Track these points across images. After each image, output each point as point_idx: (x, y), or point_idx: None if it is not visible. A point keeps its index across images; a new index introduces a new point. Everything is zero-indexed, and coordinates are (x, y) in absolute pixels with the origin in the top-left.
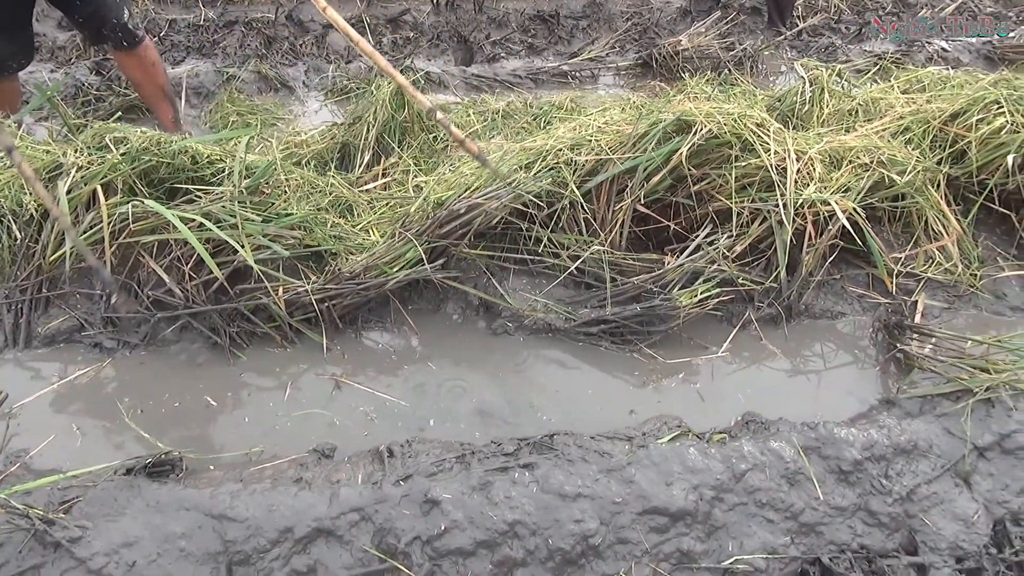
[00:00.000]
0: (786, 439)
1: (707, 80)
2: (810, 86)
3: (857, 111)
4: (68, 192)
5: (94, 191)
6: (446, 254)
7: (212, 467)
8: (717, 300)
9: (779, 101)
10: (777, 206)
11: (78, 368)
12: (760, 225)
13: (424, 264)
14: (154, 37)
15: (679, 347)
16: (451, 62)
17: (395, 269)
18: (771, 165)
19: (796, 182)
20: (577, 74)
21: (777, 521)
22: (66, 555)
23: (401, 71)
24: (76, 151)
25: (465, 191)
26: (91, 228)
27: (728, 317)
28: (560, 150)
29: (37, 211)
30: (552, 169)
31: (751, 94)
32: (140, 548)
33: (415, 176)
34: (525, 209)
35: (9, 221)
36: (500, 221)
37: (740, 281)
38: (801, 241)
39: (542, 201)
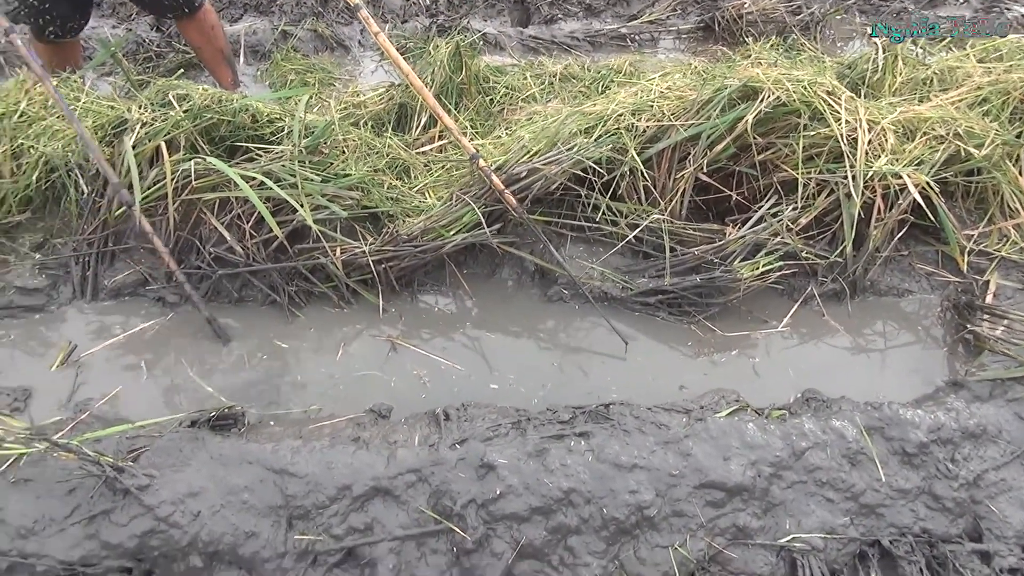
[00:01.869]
0: (848, 418)
1: (772, 45)
2: (882, 53)
3: (932, 80)
4: (133, 147)
5: (157, 147)
6: (503, 219)
7: (272, 423)
8: (779, 274)
9: (849, 68)
10: (846, 178)
11: (142, 321)
12: (827, 197)
13: (482, 228)
14: None
15: (738, 320)
16: (507, 23)
17: (452, 232)
18: (841, 135)
19: (867, 153)
20: (636, 37)
21: (837, 501)
22: (135, 502)
23: (456, 32)
24: (140, 107)
25: (525, 155)
26: (155, 184)
27: (790, 291)
28: (621, 115)
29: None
30: (612, 135)
31: (819, 60)
32: (205, 498)
33: (471, 139)
34: (584, 175)
35: (76, 175)
36: (559, 187)
37: (804, 255)
38: (869, 215)
39: (602, 167)
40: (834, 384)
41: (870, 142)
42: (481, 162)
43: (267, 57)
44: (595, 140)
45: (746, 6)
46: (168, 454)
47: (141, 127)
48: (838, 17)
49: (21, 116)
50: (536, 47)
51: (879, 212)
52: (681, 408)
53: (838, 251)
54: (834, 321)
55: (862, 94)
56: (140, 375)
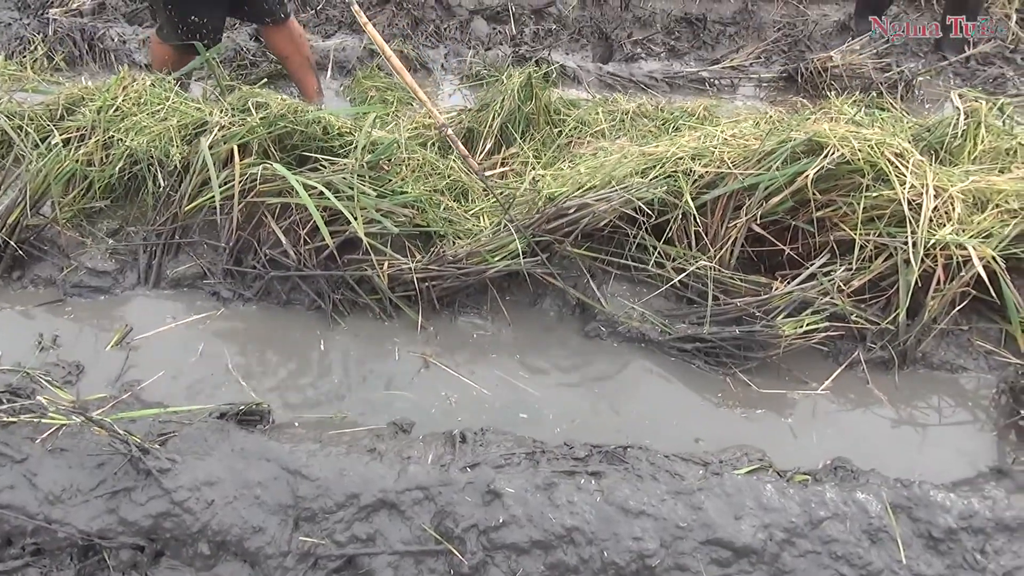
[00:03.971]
0: (874, 492)
1: (853, 101)
2: (965, 118)
3: (1016, 151)
4: (210, 148)
5: (232, 150)
6: (549, 250)
7: (297, 424)
8: (824, 335)
9: (928, 131)
10: (905, 243)
11: (195, 313)
12: (884, 261)
13: (527, 256)
14: (311, 10)
15: (776, 378)
16: (589, 58)
17: (496, 258)
18: (904, 199)
19: (931, 220)
20: (716, 81)
21: None
22: (154, 483)
23: (536, 62)
24: (221, 111)
25: (577, 189)
26: (225, 184)
27: (834, 354)
28: (680, 158)
29: (180, 163)
30: (669, 177)
31: (898, 120)
32: (220, 489)
33: (533, 168)
34: (635, 215)
35: (156, 169)
36: (608, 224)
37: (853, 318)
38: (928, 284)
39: (653, 208)
40: (868, 456)
41: (936, 209)
42: (448, 131)
43: (352, 73)
44: (650, 181)
45: (833, 59)
46: (193, 442)
47: (219, 130)
48: (927, 78)
49: (116, 110)
50: (613, 84)
51: (939, 282)
52: (699, 460)
53: (891, 318)
54: (878, 390)
55: (938, 159)
56: (183, 363)
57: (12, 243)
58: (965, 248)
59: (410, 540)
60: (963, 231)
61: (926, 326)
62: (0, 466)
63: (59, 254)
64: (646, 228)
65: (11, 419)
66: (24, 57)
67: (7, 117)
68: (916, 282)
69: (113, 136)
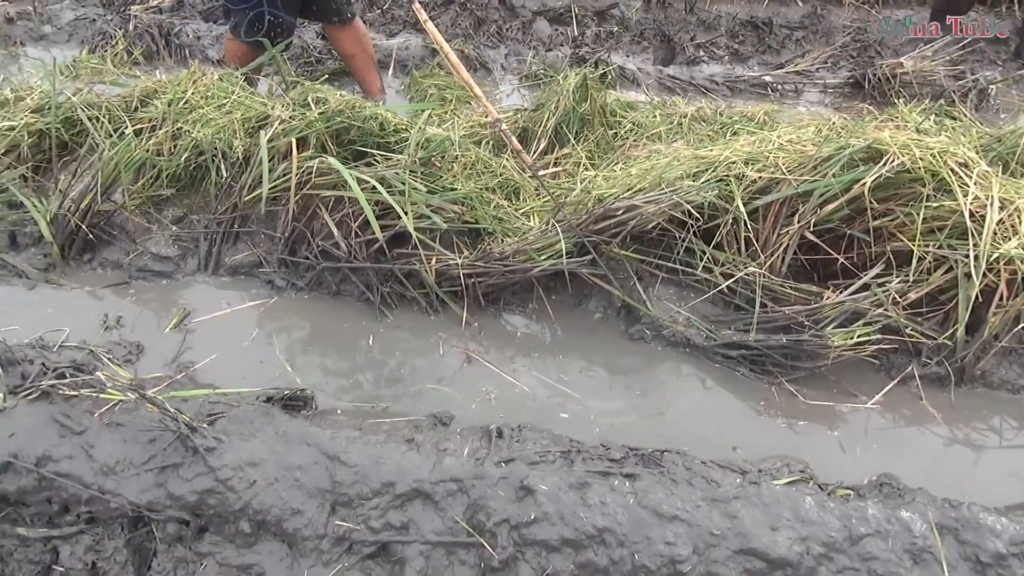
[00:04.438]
0: (920, 511)
1: (922, 109)
2: None
3: None
4: (269, 141)
5: (290, 143)
6: (597, 251)
7: (339, 411)
8: (877, 348)
9: (999, 142)
10: (967, 256)
11: (250, 300)
12: (944, 274)
13: (573, 256)
14: (378, 9)
15: (823, 389)
16: (650, 60)
17: (542, 257)
18: (966, 210)
19: (995, 233)
20: (779, 86)
21: None
22: (200, 461)
23: (595, 64)
24: (283, 106)
25: (627, 191)
26: (283, 176)
27: (887, 368)
28: (733, 163)
29: (242, 155)
30: (721, 181)
31: (967, 129)
32: (262, 470)
33: (585, 169)
34: (684, 219)
35: (219, 161)
36: (656, 227)
37: (908, 331)
38: (990, 299)
39: (703, 212)
40: (917, 474)
41: (1001, 222)
42: (503, 126)
43: (414, 71)
44: (700, 184)
45: (903, 66)
46: (240, 423)
47: (280, 124)
48: (1002, 87)
49: (185, 103)
50: (672, 87)
51: (1001, 298)
52: (737, 468)
53: (949, 333)
54: (932, 407)
55: (1009, 171)
56: (236, 348)
57: (84, 227)
58: None
59: (442, 531)
60: None
61: (986, 343)
62: (61, 437)
63: (126, 239)
64: (695, 232)
65: (73, 393)
66: (105, 51)
67: (85, 108)
68: (977, 297)
69: (181, 128)
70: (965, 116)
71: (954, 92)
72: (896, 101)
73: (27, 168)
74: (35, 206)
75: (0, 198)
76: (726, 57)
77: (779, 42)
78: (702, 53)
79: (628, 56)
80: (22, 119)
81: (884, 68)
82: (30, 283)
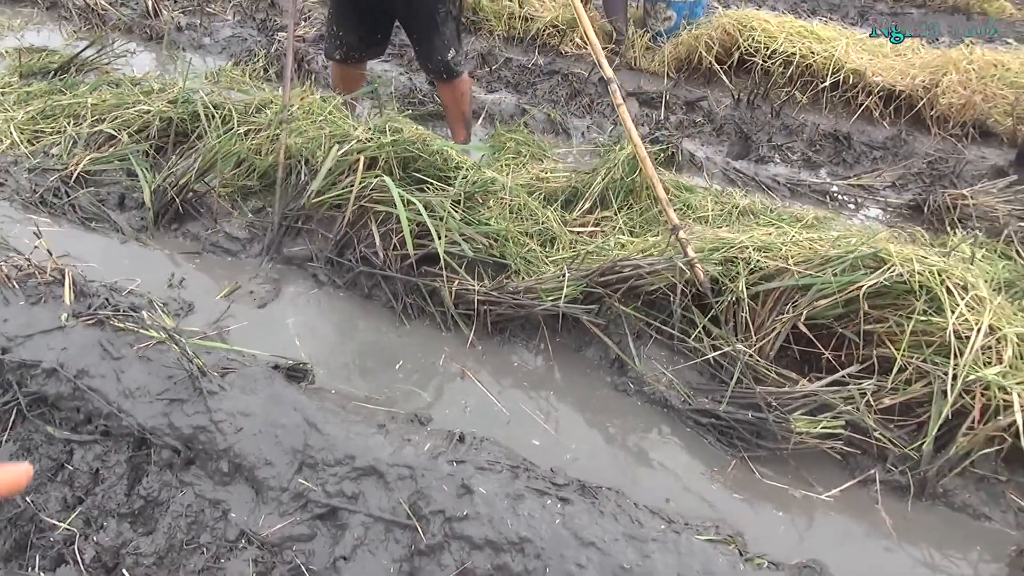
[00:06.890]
0: None
1: (974, 241)
2: None
3: None
4: (343, 155)
5: (359, 160)
6: (600, 301)
7: (332, 391)
8: (843, 446)
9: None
10: (947, 374)
11: (295, 288)
12: (924, 387)
13: (581, 304)
14: (487, 67)
15: (783, 473)
16: (723, 152)
17: (549, 298)
18: (951, 329)
19: (980, 357)
20: (840, 196)
21: None
22: (202, 401)
23: (654, 140)
24: (364, 129)
25: (638, 252)
26: (348, 187)
27: (852, 468)
28: (745, 247)
29: (320, 164)
30: (729, 261)
31: (1004, 261)
32: (251, 421)
33: (620, 233)
34: (685, 288)
35: (300, 166)
36: (657, 290)
37: (877, 435)
38: (963, 420)
39: (703, 288)
40: (851, 571)
41: (989, 347)
42: (681, 233)
43: (504, 125)
44: (704, 254)
45: (964, 197)
46: (245, 379)
47: (356, 143)
48: None
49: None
50: (735, 179)
51: (973, 421)
52: (666, 516)
53: (915, 444)
54: (886, 513)
55: None
56: (269, 322)
57: (178, 200)
58: (1009, 393)
59: (386, 509)
60: (1012, 375)
61: (952, 462)
62: (101, 358)
63: (209, 217)
64: (693, 300)
65: (120, 326)
66: (247, 66)
67: (209, 106)
68: (951, 416)
69: (277, 134)
70: (1020, 256)
71: (1015, 233)
72: (951, 231)
73: (150, 146)
74: (145, 176)
75: (121, 165)
76: (798, 162)
77: (854, 157)
78: (775, 155)
79: (703, 145)
80: (158, 106)
81: (946, 196)
82: (124, 238)
